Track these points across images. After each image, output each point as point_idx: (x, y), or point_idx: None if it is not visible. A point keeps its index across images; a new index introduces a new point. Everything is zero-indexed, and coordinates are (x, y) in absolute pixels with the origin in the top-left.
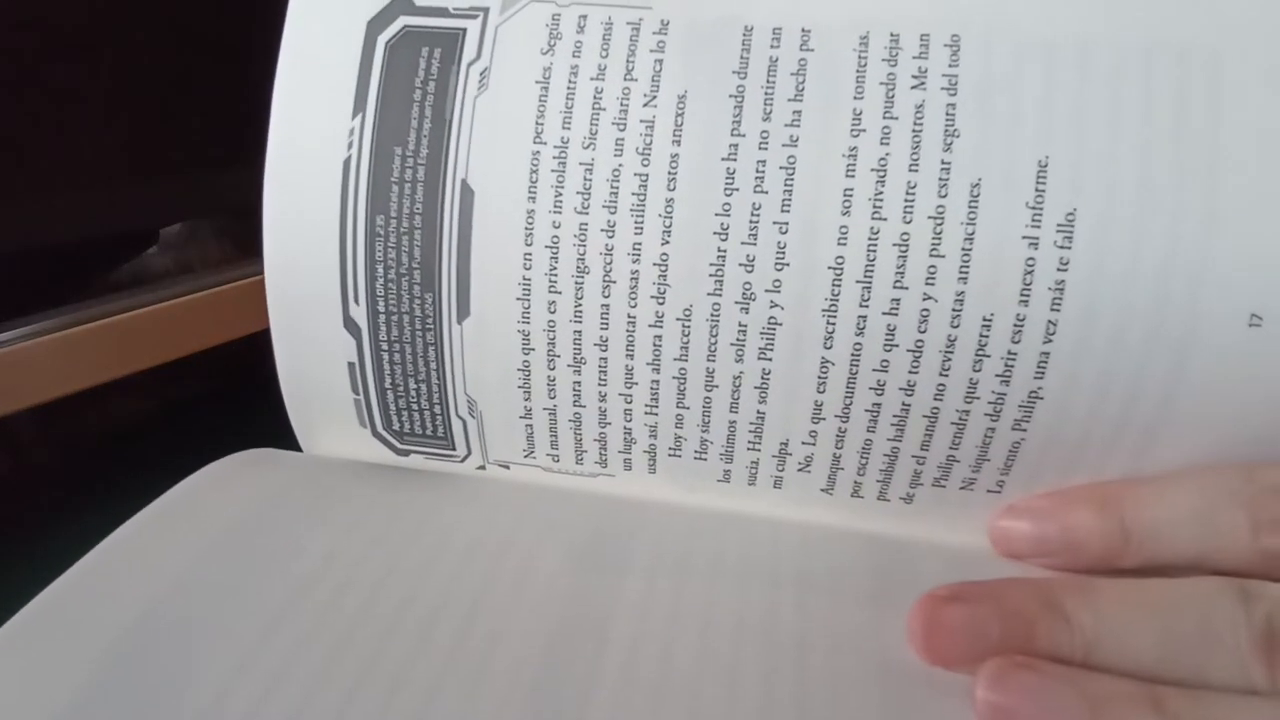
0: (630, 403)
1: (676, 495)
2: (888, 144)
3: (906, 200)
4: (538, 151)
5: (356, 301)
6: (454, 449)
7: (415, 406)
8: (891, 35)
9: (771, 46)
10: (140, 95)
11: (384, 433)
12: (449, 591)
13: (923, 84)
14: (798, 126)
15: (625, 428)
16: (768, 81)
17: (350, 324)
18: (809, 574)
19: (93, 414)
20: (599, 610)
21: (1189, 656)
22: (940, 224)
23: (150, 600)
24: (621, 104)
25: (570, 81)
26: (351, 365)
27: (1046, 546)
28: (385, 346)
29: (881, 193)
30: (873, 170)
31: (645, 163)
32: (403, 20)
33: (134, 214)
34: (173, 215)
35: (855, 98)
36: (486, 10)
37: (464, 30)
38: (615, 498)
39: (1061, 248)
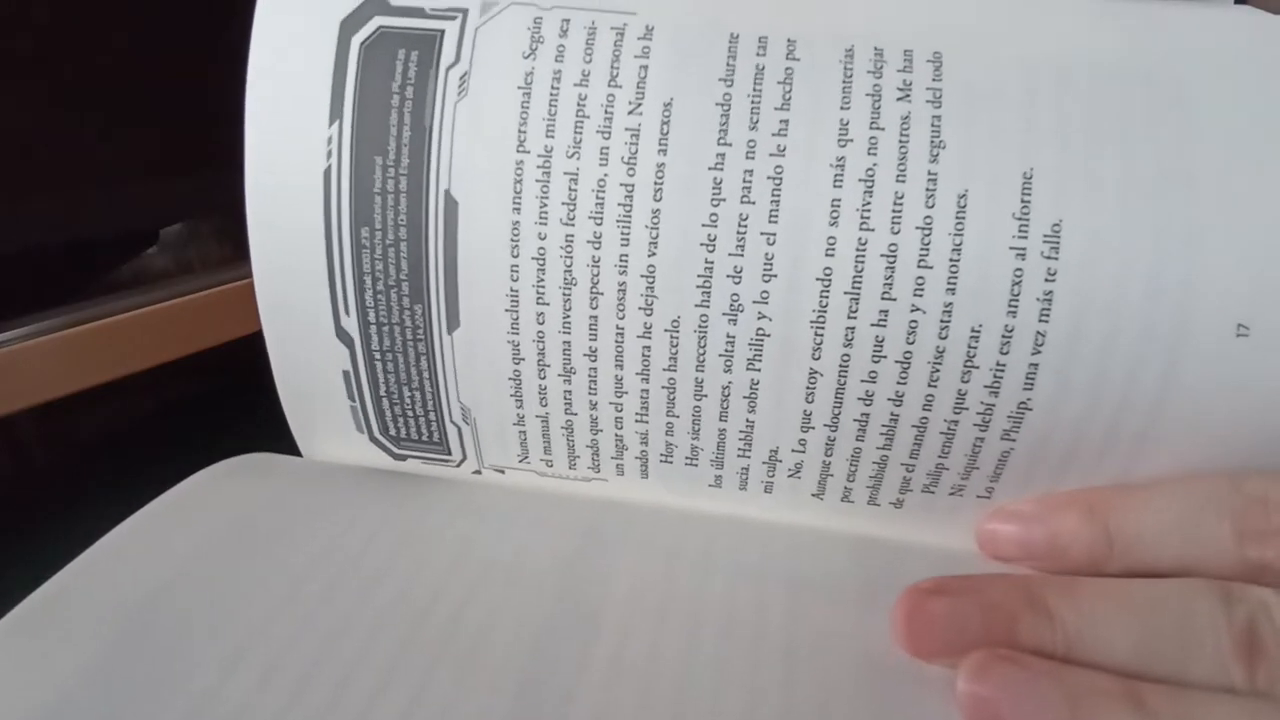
0: (621, 411)
1: (668, 499)
2: (875, 154)
3: (894, 211)
4: (521, 161)
5: (347, 312)
6: (450, 454)
7: (410, 413)
8: (875, 50)
9: (758, 54)
10: (141, 95)
11: (381, 438)
12: (441, 585)
13: (908, 96)
14: (785, 136)
15: (617, 435)
16: (754, 90)
17: (343, 334)
18: (798, 574)
19: (93, 414)
20: (588, 607)
21: (1169, 656)
22: (928, 235)
23: (149, 592)
24: (606, 111)
25: (553, 87)
26: (346, 373)
27: (1032, 550)
28: (378, 356)
29: (869, 203)
30: (860, 180)
31: (631, 172)
32: (378, 21)
33: (134, 214)
34: (173, 215)
35: (842, 108)
36: (465, 11)
37: (442, 32)
38: (608, 500)
39: (1048, 258)
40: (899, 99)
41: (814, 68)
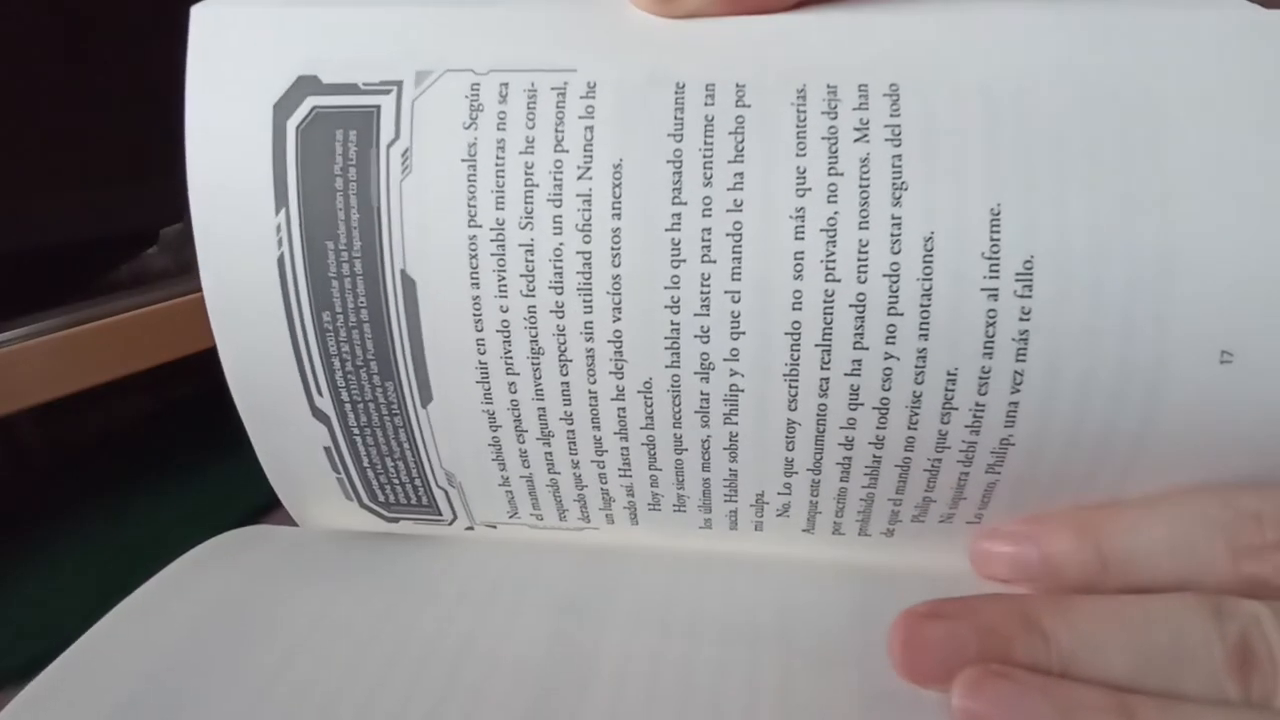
0: (603, 468)
1: (661, 542)
2: (835, 202)
3: (860, 259)
4: (474, 236)
5: (320, 393)
6: (441, 514)
7: (396, 481)
8: (829, 87)
9: (706, 104)
10: (141, 94)
11: (371, 504)
12: (431, 650)
13: (865, 136)
14: (740, 190)
15: (602, 489)
16: (705, 143)
17: (318, 413)
18: (793, 606)
19: (93, 414)
20: (580, 667)
21: (1164, 672)
22: (896, 282)
23: (141, 681)
24: (555, 178)
25: (499, 157)
26: (328, 449)
27: (1026, 571)
28: (357, 431)
29: (833, 254)
30: (822, 230)
31: (587, 239)
32: (311, 101)
33: (134, 214)
34: (173, 215)
35: (798, 154)
36: (400, 84)
37: (378, 108)
38: (600, 547)
39: (1021, 297)
40: (856, 140)
41: (765, 113)
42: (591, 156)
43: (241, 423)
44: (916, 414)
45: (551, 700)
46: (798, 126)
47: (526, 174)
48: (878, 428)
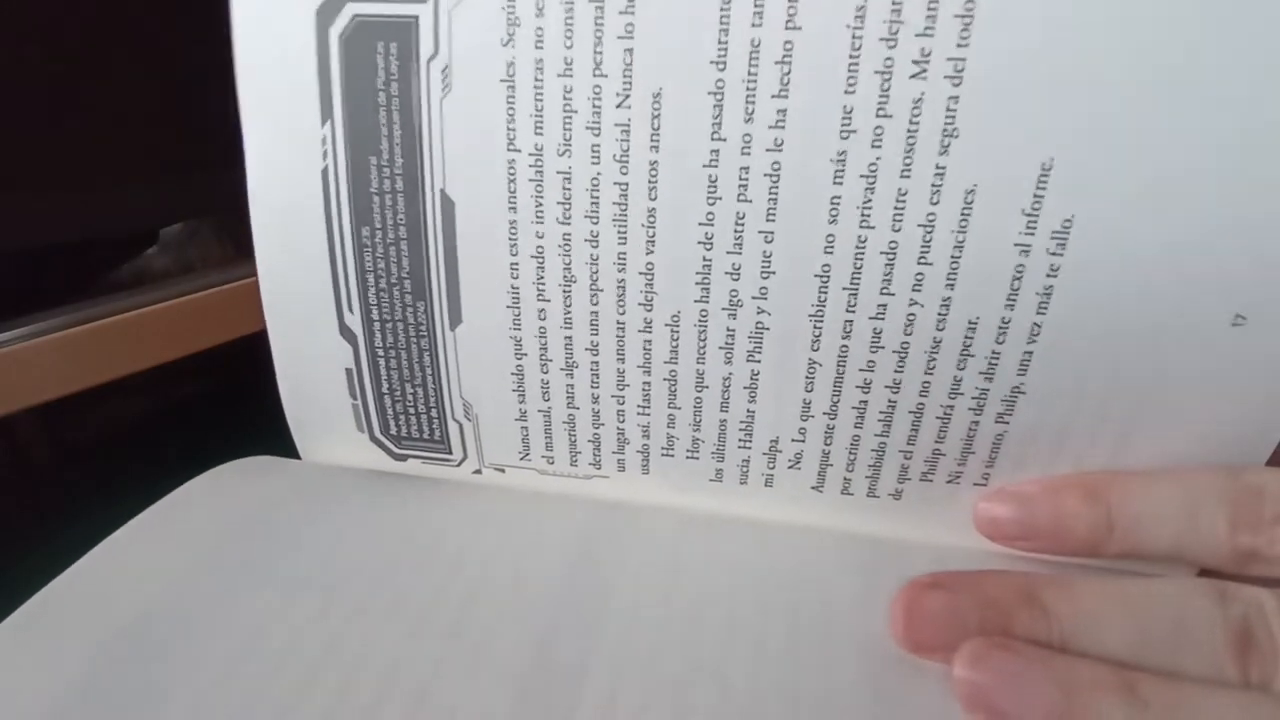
0: (623, 404)
1: (669, 496)
2: (879, 147)
3: (896, 208)
4: (513, 160)
5: (351, 310)
6: (451, 453)
7: (412, 410)
8: (893, 6)
9: (753, 25)
10: (140, 95)
11: (381, 437)
12: (442, 589)
13: (924, 72)
14: (782, 129)
15: (618, 428)
16: (749, 74)
17: (346, 331)
18: (799, 571)
19: (93, 414)
20: (588, 612)
21: (1164, 651)
22: (930, 232)
23: (144, 602)
24: (594, 105)
25: (537, 79)
26: (349, 371)
27: (1033, 530)
28: (381, 353)
29: (870, 200)
30: (862, 176)
31: (624, 170)
32: (351, 8)
33: (134, 214)
34: (173, 215)
35: (847, 91)
36: None
37: (416, 18)
38: (608, 502)
39: (1054, 254)
40: (913, 75)
41: (817, 38)
42: (631, 83)
43: (240, 424)
44: (934, 359)
45: (559, 646)
46: (850, 57)
47: (565, 99)
48: (895, 371)
